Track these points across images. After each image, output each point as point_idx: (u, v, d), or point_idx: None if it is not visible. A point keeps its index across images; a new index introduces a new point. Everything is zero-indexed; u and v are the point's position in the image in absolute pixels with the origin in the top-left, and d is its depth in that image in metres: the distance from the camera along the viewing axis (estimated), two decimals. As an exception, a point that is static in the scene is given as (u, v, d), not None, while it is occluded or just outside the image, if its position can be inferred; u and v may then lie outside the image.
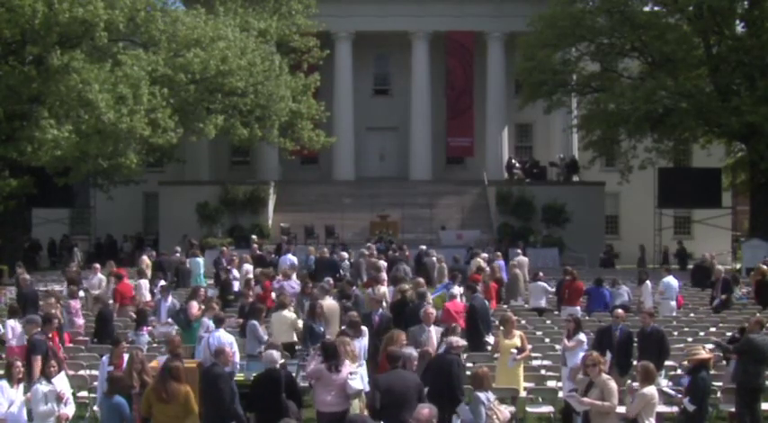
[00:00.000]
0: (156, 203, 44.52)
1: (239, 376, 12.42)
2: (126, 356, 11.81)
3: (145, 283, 21.24)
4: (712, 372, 13.17)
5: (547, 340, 17.64)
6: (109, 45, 32.86)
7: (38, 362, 12.53)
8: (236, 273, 23.59)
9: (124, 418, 10.09)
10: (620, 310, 15.15)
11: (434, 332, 13.69)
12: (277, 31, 38.69)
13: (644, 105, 34.72)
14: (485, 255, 26.54)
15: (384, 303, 17.11)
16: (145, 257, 27.83)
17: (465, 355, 14.35)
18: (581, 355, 13.56)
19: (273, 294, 19.07)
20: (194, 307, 15.78)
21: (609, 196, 45.50)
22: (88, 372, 14.61)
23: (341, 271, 25.13)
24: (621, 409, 11.11)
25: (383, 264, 24.01)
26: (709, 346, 14.88)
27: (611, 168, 43.69)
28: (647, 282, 21.72)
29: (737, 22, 37.63)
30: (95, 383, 13.20)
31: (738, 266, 37.22)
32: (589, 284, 21.59)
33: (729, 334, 17.93)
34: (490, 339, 15.76)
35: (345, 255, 27.33)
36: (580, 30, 37.61)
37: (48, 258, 42.76)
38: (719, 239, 45.36)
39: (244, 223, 40.78)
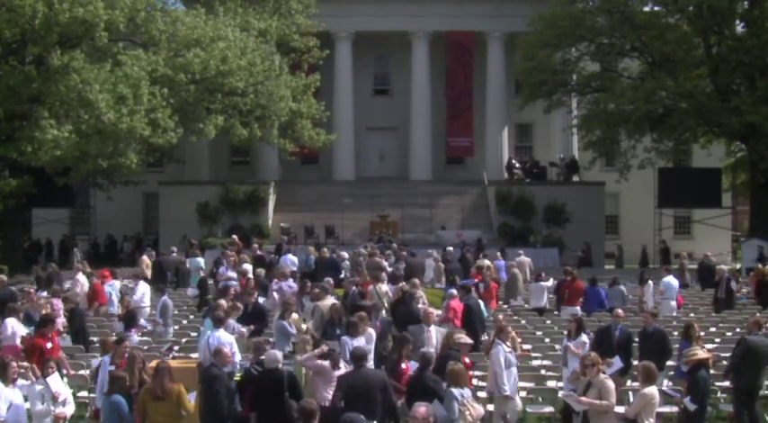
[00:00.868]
0: (156, 203, 44.52)
1: (239, 376, 12.41)
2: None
3: (143, 286, 21.11)
4: (712, 371, 13.16)
5: (547, 340, 17.63)
6: (109, 45, 32.87)
7: None
8: (233, 273, 23.55)
9: (123, 418, 10.10)
10: (620, 310, 15.15)
11: (434, 332, 13.65)
12: (277, 31, 38.70)
13: (644, 105, 34.73)
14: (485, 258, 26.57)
15: (385, 302, 17.13)
16: (145, 257, 27.86)
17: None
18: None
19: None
20: (224, 306, 15.80)
21: (609, 196, 45.49)
22: (88, 372, 14.59)
23: (342, 272, 25.10)
24: (621, 409, 11.12)
25: (385, 263, 24.10)
26: (710, 346, 14.91)
27: (611, 168, 43.66)
28: (650, 282, 21.71)
29: (737, 22, 37.63)
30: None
31: (738, 266, 37.21)
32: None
33: (729, 334, 17.99)
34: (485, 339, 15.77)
35: (345, 255, 27.33)
36: (580, 30, 37.61)
37: (45, 259, 42.69)
38: (719, 239, 45.35)
39: (244, 223, 40.76)
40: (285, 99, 36.87)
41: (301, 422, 9.23)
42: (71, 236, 43.80)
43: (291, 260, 26.64)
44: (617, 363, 13.67)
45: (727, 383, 14.03)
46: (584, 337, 13.95)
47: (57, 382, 10.80)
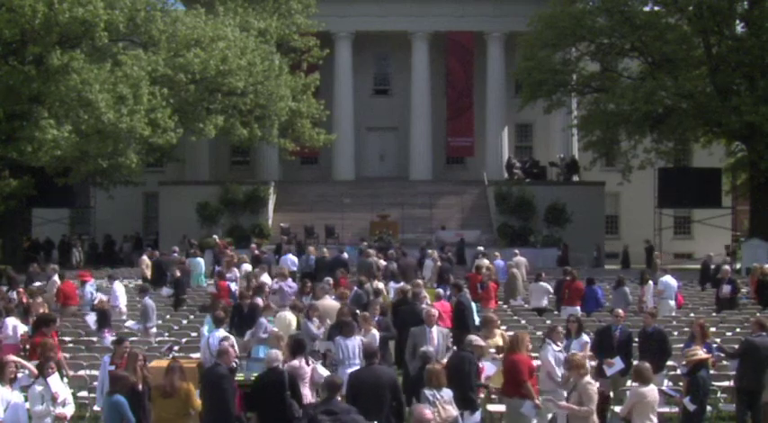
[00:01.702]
0: (156, 203, 44.54)
1: (239, 376, 12.42)
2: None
3: (118, 286, 21.07)
4: (712, 371, 13.15)
5: (547, 340, 17.57)
6: (109, 45, 32.90)
7: None
8: (236, 272, 23.54)
9: (124, 417, 10.10)
10: (620, 311, 15.14)
11: (436, 333, 13.56)
12: (277, 31, 38.72)
13: (644, 105, 34.71)
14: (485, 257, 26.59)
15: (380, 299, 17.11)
16: (145, 257, 27.86)
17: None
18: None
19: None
20: (262, 303, 15.84)
21: (609, 196, 45.51)
22: (88, 372, 14.59)
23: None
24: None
25: (383, 262, 24.11)
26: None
27: (611, 168, 43.67)
28: (650, 282, 21.71)
29: (737, 22, 37.62)
30: (95, 383, 13.18)
31: (738, 266, 37.21)
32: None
33: (729, 334, 17.97)
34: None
35: (345, 255, 27.32)
36: (580, 30, 37.59)
37: (44, 258, 42.68)
38: (719, 239, 45.32)
39: (244, 223, 40.77)
40: (285, 99, 36.88)
41: (327, 393, 9.75)
42: (74, 235, 43.81)
43: (291, 260, 26.65)
44: (618, 363, 13.66)
45: (727, 383, 14.03)
46: (585, 337, 13.93)
47: (57, 383, 10.79)
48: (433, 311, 13.91)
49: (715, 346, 14.55)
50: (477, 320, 17.21)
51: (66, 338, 17.20)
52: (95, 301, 18.54)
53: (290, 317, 15.32)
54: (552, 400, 10.56)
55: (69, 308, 20.23)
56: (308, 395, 11.33)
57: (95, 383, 13.15)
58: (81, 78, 30.08)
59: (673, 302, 21.19)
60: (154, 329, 17.90)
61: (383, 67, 49.69)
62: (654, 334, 14.28)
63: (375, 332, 14.06)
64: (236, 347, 13.48)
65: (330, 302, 16.37)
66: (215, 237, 33.09)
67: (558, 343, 12.74)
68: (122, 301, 20.45)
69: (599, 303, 20.40)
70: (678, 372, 13.84)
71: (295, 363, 11.48)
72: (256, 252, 28.25)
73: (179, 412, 10.42)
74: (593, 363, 14.10)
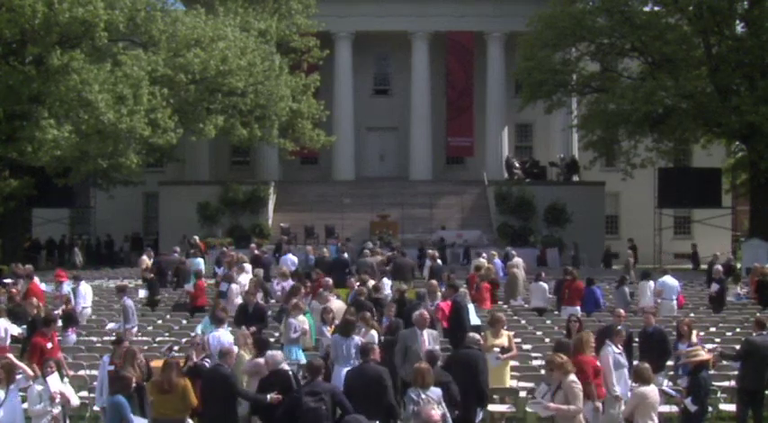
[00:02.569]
0: (156, 203, 44.55)
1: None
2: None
3: (84, 286, 21.05)
4: (712, 371, 13.14)
5: (547, 340, 17.61)
6: (109, 45, 32.88)
7: None
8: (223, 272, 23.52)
9: (123, 419, 10.10)
10: (621, 310, 15.14)
11: (427, 336, 13.28)
12: (277, 32, 38.72)
13: (644, 106, 34.71)
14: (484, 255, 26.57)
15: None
16: (144, 257, 27.84)
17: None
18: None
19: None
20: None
21: (609, 196, 45.52)
22: (88, 372, 14.59)
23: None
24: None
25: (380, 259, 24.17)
26: (710, 346, 14.88)
27: (611, 168, 43.67)
28: (650, 282, 21.70)
29: (737, 22, 37.61)
30: (95, 383, 13.18)
31: (738, 266, 37.17)
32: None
33: (729, 334, 17.97)
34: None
35: (346, 255, 27.33)
36: (580, 30, 37.59)
37: (45, 258, 42.72)
38: (719, 239, 45.34)
39: (244, 223, 40.79)
40: (285, 99, 36.89)
41: (310, 376, 10.13)
42: (74, 236, 43.82)
43: (291, 260, 26.63)
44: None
45: (727, 383, 14.02)
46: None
47: (56, 383, 10.78)
48: (425, 314, 13.75)
49: (713, 346, 14.56)
50: (477, 321, 17.23)
51: (93, 339, 17.14)
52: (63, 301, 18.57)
53: (300, 318, 15.32)
54: (540, 401, 10.47)
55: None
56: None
57: (95, 383, 13.15)
58: (81, 78, 30.08)
59: (673, 303, 21.17)
60: (135, 329, 17.86)
61: (383, 67, 49.70)
62: (654, 334, 14.27)
63: (374, 333, 14.05)
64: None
65: (339, 304, 16.38)
66: (195, 238, 32.99)
67: (619, 345, 12.41)
68: (88, 302, 20.41)
69: (598, 304, 20.39)
70: (678, 372, 13.83)
71: (260, 360, 11.48)
72: (256, 252, 28.20)
73: (177, 408, 10.52)
74: (638, 363, 14.07)
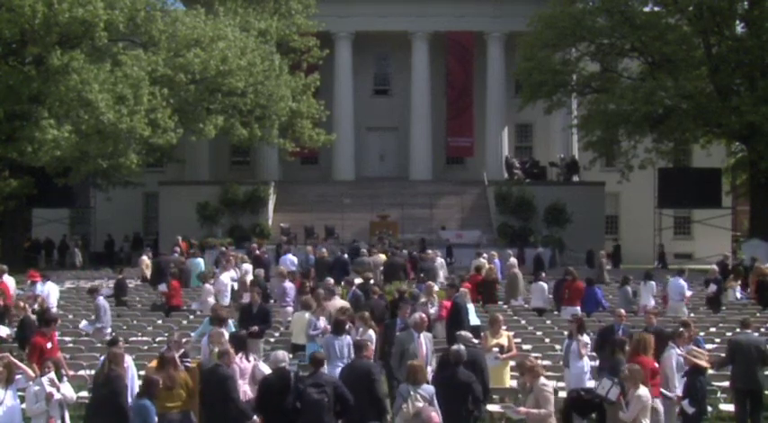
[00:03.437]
0: (156, 203, 44.53)
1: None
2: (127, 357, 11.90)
3: (50, 286, 21.01)
4: (711, 371, 13.12)
5: (547, 340, 17.61)
6: (109, 45, 32.90)
7: None
8: (234, 273, 23.53)
9: (148, 422, 10.12)
10: (621, 310, 15.13)
11: (424, 339, 13.10)
12: (277, 31, 38.72)
13: (644, 106, 34.72)
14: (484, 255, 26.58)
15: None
16: (144, 257, 27.84)
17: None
18: (586, 357, 13.57)
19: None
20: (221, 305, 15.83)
21: (609, 196, 45.49)
22: (88, 372, 14.59)
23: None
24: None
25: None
26: (709, 346, 14.86)
27: (611, 168, 43.66)
28: (651, 282, 21.66)
29: (737, 22, 37.62)
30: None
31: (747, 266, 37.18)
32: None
33: (729, 334, 17.95)
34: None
35: (345, 255, 27.32)
36: (580, 30, 37.60)
37: (45, 258, 42.73)
38: (719, 239, 45.34)
39: (244, 223, 40.78)
40: (285, 99, 36.89)
41: (313, 368, 10.42)
42: (75, 236, 43.81)
43: (291, 260, 26.64)
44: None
45: (726, 384, 14.00)
46: (586, 338, 13.91)
47: (53, 382, 10.73)
48: (424, 317, 13.68)
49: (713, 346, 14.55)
50: (477, 321, 17.22)
51: (66, 338, 17.20)
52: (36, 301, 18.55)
53: (306, 316, 15.33)
54: (511, 406, 10.41)
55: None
56: (247, 391, 11.33)
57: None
58: (81, 78, 30.09)
59: (681, 303, 21.15)
60: (108, 329, 17.85)
61: (383, 67, 49.69)
62: (655, 333, 14.24)
63: (372, 333, 14.06)
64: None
65: (340, 302, 16.39)
66: (179, 238, 32.96)
67: (682, 347, 12.22)
68: (53, 301, 20.36)
69: (599, 304, 20.38)
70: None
71: (236, 359, 11.51)
72: (257, 252, 28.21)
73: (182, 399, 10.64)
74: (593, 363, 14.09)
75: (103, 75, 30.89)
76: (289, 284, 20.33)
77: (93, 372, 14.31)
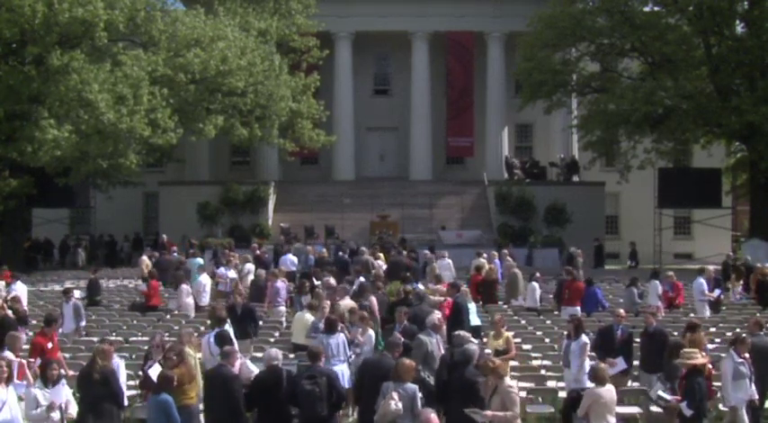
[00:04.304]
0: (156, 203, 44.53)
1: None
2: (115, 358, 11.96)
3: (20, 286, 20.97)
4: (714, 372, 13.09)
5: (547, 340, 17.62)
6: (109, 45, 32.86)
7: None
8: (233, 273, 23.56)
9: (170, 417, 10.04)
10: (621, 310, 15.13)
11: (438, 340, 13.10)
12: (277, 31, 38.71)
13: (644, 106, 34.71)
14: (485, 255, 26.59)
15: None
16: (144, 257, 27.83)
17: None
18: (587, 358, 13.57)
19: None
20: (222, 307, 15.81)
21: (609, 196, 45.50)
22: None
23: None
24: (621, 410, 11.03)
25: (380, 261, 24.18)
26: (709, 346, 14.85)
27: (611, 168, 43.64)
28: (656, 282, 21.67)
29: (737, 22, 37.60)
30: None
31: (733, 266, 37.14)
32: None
33: (729, 334, 17.95)
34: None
35: (345, 255, 27.36)
36: (580, 30, 37.60)
37: (44, 258, 42.68)
38: (719, 239, 45.34)
39: (244, 223, 40.80)
40: (285, 99, 36.89)
41: (309, 361, 10.90)
42: (81, 236, 43.78)
43: (291, 260, 26.66)
44: (620, 363, 13.63)
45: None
46: (585, 338, 13.92)
47: (61, 391, 10.57)
48: (441, 319, 13.68)
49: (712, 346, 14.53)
50: (478, 321, 17.23)
51: (94, 339, 17.12)
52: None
53: (307, 316, 15.34)
54: (476, 410, 10.33)
55: None
56: None
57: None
58: (81, 78, 30.06)
59: (703, 304, 21.15)
60: (83, 324, 17.96)
61: (383, 67, 49.70)
62: (655, 334, 14.26)
63: (371, 332, 14.07)
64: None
65: (348, 303, 16.41)
66: (164, 236, 33.04)
67: (744, 355, 11.94)
68: (25, 301, 20.38)
69: (599, 304, 20.39)
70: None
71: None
72: (257, 252, 28.22)
73: (186, 395, 10.85)
74: (593, 363, 14.09)
75: (103, 75, 30.87)
76: (280, 284, 20.37)
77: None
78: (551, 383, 14.61)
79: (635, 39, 37.37)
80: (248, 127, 36.53)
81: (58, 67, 30.29)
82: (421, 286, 19.58)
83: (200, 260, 27.10)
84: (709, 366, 11.88)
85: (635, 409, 13.41)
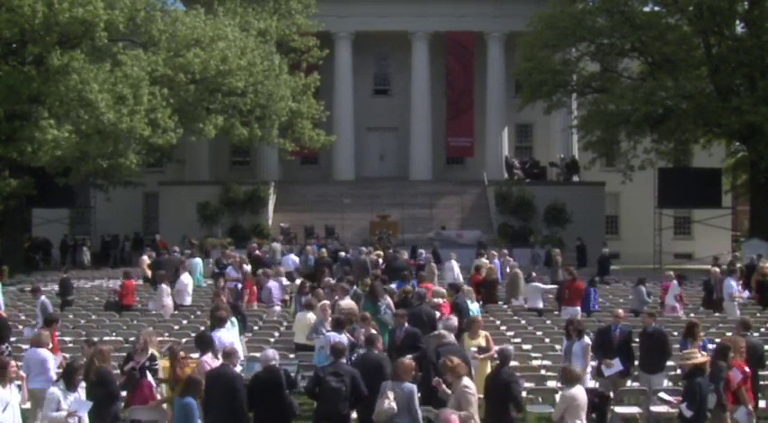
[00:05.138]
0: (156, 203, 44.53)
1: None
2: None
3: None
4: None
5: (547, 340, 17.62)
6: (109, 45, 32.87)
7: None
8: (233, 272, 23.57)
9: (192, 421, 10.08)
10: (620, 311, 15.12)
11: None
12: (277, 31, 38.72)
13: (644, 106, 34.72)
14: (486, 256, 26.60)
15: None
16: (145, 257, 27.85)
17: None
18: (588, 358, 13.57)
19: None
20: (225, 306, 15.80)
21: (609, 196, 45.50)
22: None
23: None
24: (622, 409, 11.03)
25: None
26: (711, 346, 14.82)
27: (611, 168, 43.67)
28: (675, 282, 21.64)
29: (737, 22, 37.59)
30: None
31: (738, 266, 37.10)
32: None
33: (729, 334, 17.94)
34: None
35: (344, 255, 27.38)
36: (580, 30, 37.59)
37: (43, 258, 42.66)
38: (719, 239, 45.34)
39: (244, 223, 40.78)
40: (285, 99, 36.89)
41: (333, 358, 10.99)
42: (83, 237, 43.76)
43: (293, 260, 26.67)
44: (617, 365, 13.62)
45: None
46: (587, 339, 13.91)
47: (84, 403, 10.53)
48: (456, 323, 13.70)
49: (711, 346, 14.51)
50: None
51: (66, 338, 17.18)
52: None
53: (309, 316, 15.33)
54: (430, 408, 10.27)
55: None
56: None
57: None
58: (81, 78, 30.07)
59: (733, 304, 21.18)
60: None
61: (383, 67, 49.70)
62: (654, 334, 14.25)
63: (373, 332, 14.05)
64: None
65: (349, 302, 16.41)
66: (157, 236, 33.05)
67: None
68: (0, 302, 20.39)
69: (589, 306, 20.40)
70: (678, 371, 13.81)
71: (205, 358, 11.57)
72: (257, 252, 28.21)
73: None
74: (593, 363, 14.09)
75: (103, 75, 30.88)
76: (273, 284, 20.36)
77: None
78: (551, 383, 14.61)
79: (635, 39, 37.36)
80: (248, 127, 36.53)
81: (58, 67, 30.30)
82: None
83: (198, 260, 27.14)
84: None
85: (635, 409, 13.42)
